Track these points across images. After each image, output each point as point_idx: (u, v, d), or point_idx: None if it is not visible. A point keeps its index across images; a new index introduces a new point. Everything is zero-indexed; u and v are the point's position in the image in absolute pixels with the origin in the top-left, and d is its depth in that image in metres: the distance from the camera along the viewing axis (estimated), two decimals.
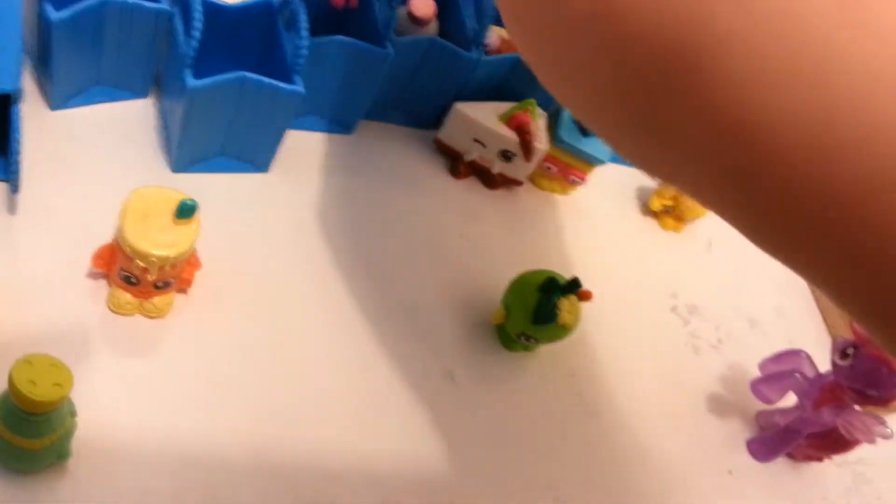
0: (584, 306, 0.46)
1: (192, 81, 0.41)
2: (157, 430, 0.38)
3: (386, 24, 0.50)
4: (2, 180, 0.41)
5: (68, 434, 0.34)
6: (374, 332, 0.46)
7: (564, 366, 0.50)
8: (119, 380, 0.38)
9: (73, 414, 0.34)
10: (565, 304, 0.45)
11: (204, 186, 0.46)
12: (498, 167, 0.55)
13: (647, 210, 0.62)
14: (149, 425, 0.38)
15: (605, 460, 0.48)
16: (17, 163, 0.38)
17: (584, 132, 0.55)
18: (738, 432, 0.54)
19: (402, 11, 0.53)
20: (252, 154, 0.48)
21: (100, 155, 0.45)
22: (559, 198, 0.59)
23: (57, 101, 0.45)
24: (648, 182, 0.63)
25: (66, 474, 0.35)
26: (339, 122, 0.54)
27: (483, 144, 0.54)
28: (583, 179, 0.57)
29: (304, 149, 0.52)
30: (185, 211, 0.36)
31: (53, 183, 0.43)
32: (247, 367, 0.41)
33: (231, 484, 0.38)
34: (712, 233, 0.63)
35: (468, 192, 0.56)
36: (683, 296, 0.59)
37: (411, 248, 0.51)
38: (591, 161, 0.56)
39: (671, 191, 0.59)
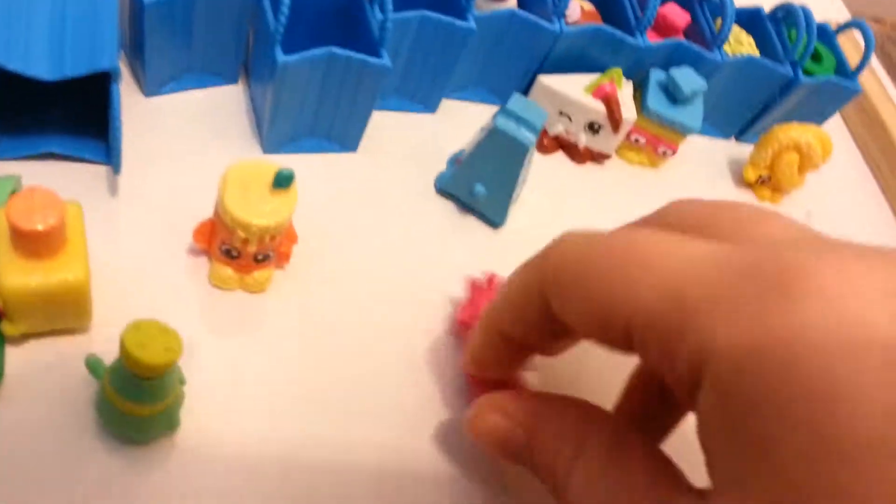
0: None
1: (281, 57, 0.41)
2: (260, 405, 0.38)
3: None
4: (103, 163, 0.42)
5: (178, 402, 0.34)
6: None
7: None
8: (222, 354, 0.39)
9: (182, 381, 0.34)
10: None
11: (294, 166, 0.46)
12: (585, 140, 0.54)
13: (741, 181, 0.60)
14: (251, 399, 0.38)
15: None
16: (118, 140, 0.39)
17: (674, 100, 0.54)
18: None
19: None
20: (341, 133, 0.48)
21: (194, 139, 0.46)
22: (649, 171, 0.57)
23: (150, 87, 0.46)
24: (741, 152, 0.61)
25: (174, 447, 0.35)
26: (422, 101, 0.54)
27: (569, 117, 0.53)
28: (673, 150, 0.56)
29: (389, 128, 0.52)
30: (283, 180, 0.36)
31: (151, 167, 0.44)
32: (345, 340, 0.41)
33: (338, 457, 0.38)
34: (812, 202, 0.60)
35: (555, 167, 0.55)
36: None
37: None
38: (681, 130, 0.54)
39: (766, 160, 0.57)
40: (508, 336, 0.32)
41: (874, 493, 0.18)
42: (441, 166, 0.51)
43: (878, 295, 0.20)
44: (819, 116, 0.62)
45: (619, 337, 0.25)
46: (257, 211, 0.36)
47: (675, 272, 0.24)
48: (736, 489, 0.21)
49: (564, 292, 0.27)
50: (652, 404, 0.35)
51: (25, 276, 0.32)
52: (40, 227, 0.31)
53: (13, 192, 0.37)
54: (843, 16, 0.86)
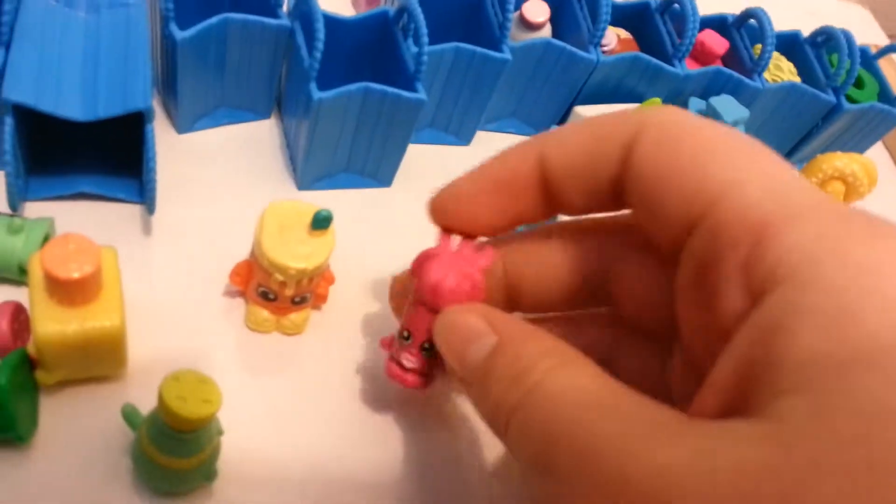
0: None
1: (317, 94, 0.40)
2: (301, 450, 0.37)
3: (500, 29, 0.48)
4: (137, 202, 0.41)
5: (216, 453, 0.33)
6: None
7: None
8: (259, 398, 0.38)
9: (220, 432, 0.33)
10: None
11: (329, 202, 0.45)
12: None
13: None
14: (291, 444, 0.37)
15: None
16: (152, 181, 0.38)
17: None
18: None
19: (514, 16, 0.52)
20: (375, 168, 0.47)
21: (228, 176, 0.45)
22: None
23: (183, 124, 0.46)
24: None
25: (211, 497, 0.34)
26: (456, 133, 0.53)
27: None
28: None
29: (423, 162, 0.51)
30: (321, 221, 0.36)
31: (185, 204, 0.43)
32: (386, 383, 0.40)
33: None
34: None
35: None
36: None
37: None
38: None
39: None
40: (544, 174, 0.29)
41: None
42: None
43: None
44: (861, 144, 0.60)
45: (683, 216, 0.24)
46: (295, 254, 0.35)
47: (787, 177, 0.23)
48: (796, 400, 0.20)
49: (659, 151, 0.25)
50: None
51: (61, 324, 0.31)
52: (76, 275, 0.30)
53: (47, 236, 0.36)
54: (877, 36, 0.84)
